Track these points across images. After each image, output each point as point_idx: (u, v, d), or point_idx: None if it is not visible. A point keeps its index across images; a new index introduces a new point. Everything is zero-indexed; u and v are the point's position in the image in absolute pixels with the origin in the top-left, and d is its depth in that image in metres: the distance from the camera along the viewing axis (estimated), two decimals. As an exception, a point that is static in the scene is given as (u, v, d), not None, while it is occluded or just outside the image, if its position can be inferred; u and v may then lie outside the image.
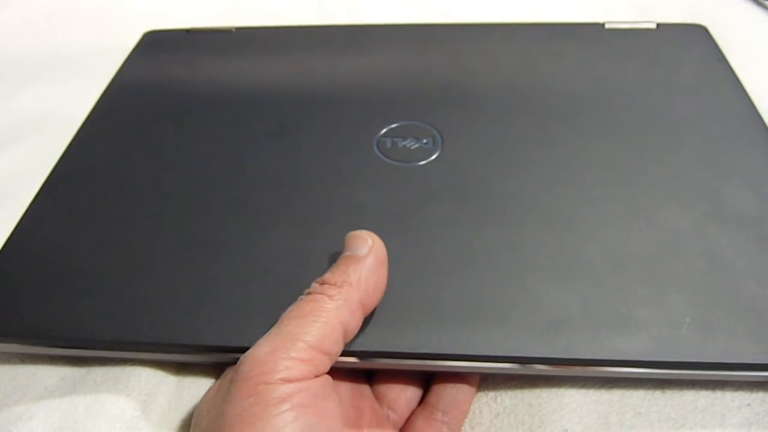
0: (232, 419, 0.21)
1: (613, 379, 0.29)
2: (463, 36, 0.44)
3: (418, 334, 0.27)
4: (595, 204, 0.31)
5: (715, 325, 0.26)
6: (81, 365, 0.31)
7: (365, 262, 0.25)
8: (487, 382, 0.30)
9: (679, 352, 0.25)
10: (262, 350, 0.22)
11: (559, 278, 0.28)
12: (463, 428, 0.28)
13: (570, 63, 0.41)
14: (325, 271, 0.25)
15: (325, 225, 0.31)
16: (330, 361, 0.23)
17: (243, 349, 0.23)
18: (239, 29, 0.47)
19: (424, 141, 0.35)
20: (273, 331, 0.23)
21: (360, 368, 0.28)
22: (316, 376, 0.22)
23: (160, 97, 0.40)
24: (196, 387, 0.30)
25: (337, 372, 0.26)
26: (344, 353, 0.25)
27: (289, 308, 0.24)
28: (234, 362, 0.23)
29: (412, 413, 0.28)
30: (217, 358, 0.28)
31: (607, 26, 0.44)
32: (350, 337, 0.25)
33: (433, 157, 0.34)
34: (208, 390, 0.26)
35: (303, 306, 0.24)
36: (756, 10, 0.54)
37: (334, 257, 0.26)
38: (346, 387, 0.28)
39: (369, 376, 0.29)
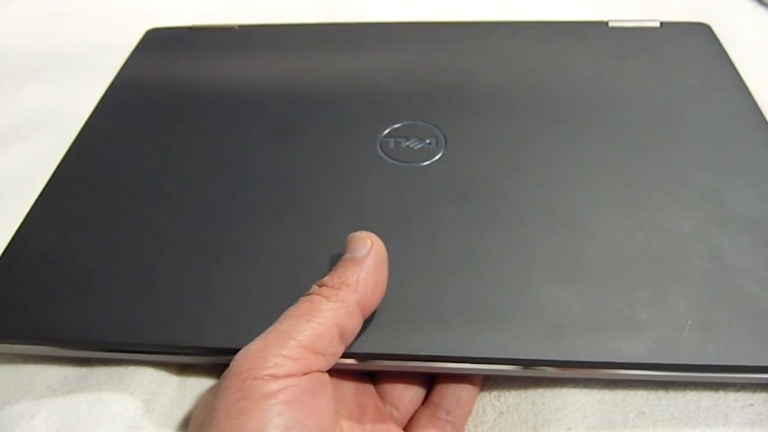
0: (219, 413, 0.21)
1: (617, 379, 0.29)
2: (467, 35, 0.44)
3: (421, 336, 0.27)
4: (598, 205, 0.31)
5: (718, 327, 0.26)
6: (84, 364, 0.31)
7: (364, 264, 0.25)
8: (490, 381, 0.30)
9: (682, 355, 0.25)
10: (253, 347, 0.23)
11: (562, 280, 0.28)
12: (466, 427, 0.29)
13: (573, 62, 0.41)
14: (327, 272, 0.25)
15: (328, 226, 0.31)
16: (325, 360, 0.24)
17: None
18: (242, 27, 0.47)
19: (428, 141, 0.35)
20: (268, 329, 0.23)
21: (363, 370, 0.28)
22: (306, 374, 0.23)
23: (162, 96, 0.40)
24: (199, 387, 0.30)
25: (340, 371, 0.26)
26: (347, 355, 0.25)
27: (288, 309, 0.24)
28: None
29: (416, 411, 0.28)
30: (220, 360, 0.28)
31: (610, 25, 0.44)
32: (349, 338, 0.25)
33: (437, 157, 0.34)
34: (206, 390, 0.26)
35: (300, 306, 0.24)
36: (759, 10, 0.54)
37: (336, 258, 0.26)
38: (349, 385, 0.28)
39: (373, 375, 0.29)
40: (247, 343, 0.23)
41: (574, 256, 0.29)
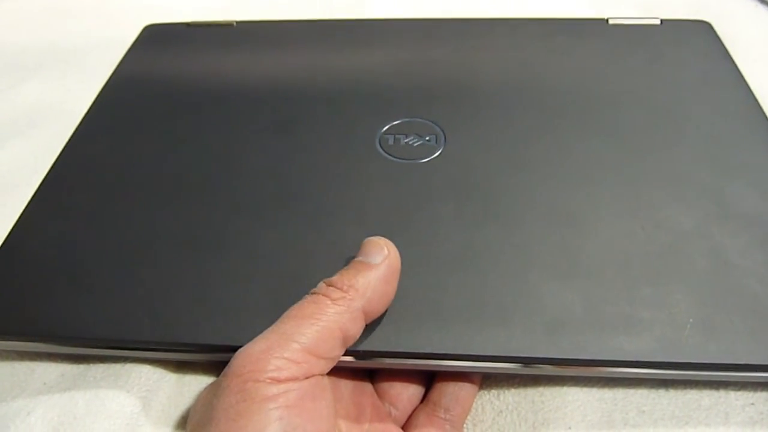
0: (218, 413, 0.21)
1: (617, 378, 0.28)
2: (466, 31, 0.44)
3: (421, 334, 0.26)
4: (599, 202, 0.31)
5: (719, 325, 0.26)
6: (81, 362, 0.30)
7: (376, 271, 0.25)
8: (489, 379, 0.30)
9: (683, 353, 0.25)
10: (255, 347, 0.22)
11: (562, 278, 0.28)
12: (465, 426, 0.28)
13: (573, 59, 0.41)
14: (326, 269, 0.25)
15: (327, 223, 0.31)
16: (326, 363, 0.23)
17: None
18: (240, 23, 0.46)
19: (427, 138, 0.35)
20: (271, 328, 0.23)
21: (362, 368, 0.28)
22: (307, 378, 0.22)
23: (160, 92, 0.40)
24: (197, 384, 0.30)
25: (338, 370, 0.26)
26: (346, 352, 0.25)
27: (292, 307, 0.24)
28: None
29: (415, 410, 0.28)
30: (218, 357, 0.28)
31: (610, 22, 0.44)
32: (351, 342, 0.25)
33: (436, 154, 0.34)
34: (205, 387, 0.26)
35: (304, 307, 0.24)
36: (760, 8, 0.54)
37: (334, 255, 0.26)
38: (347, 384, 0.28)
39: (371, 374, 0.29)
40: (244, 340, 0.23)
41: (575, 253, 0.29)
